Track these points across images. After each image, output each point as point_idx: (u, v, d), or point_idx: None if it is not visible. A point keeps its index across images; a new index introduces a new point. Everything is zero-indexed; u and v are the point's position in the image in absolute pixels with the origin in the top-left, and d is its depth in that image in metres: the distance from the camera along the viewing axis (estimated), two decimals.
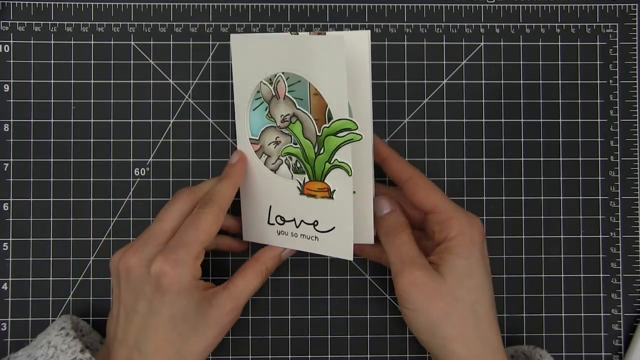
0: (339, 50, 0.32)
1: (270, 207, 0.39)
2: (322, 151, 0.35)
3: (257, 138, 0.38)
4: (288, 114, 0.36)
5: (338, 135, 0.34)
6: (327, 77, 0.33)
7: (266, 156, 0.38)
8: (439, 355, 0.35)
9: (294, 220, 0.38)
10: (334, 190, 0.36)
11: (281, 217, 0.39)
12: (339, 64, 0.32)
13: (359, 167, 0.36)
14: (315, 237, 0.38)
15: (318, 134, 0.35)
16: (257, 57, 0.36)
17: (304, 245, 0.38)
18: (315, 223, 0.37)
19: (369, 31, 0.34)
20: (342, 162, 0.35)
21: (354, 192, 0.36)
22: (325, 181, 0.36)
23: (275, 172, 0.38)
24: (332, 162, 0.35)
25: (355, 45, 0.34)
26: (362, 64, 0.35)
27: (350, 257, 0.37)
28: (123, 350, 0.35)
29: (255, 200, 0.39)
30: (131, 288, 0.35)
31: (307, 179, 0.37)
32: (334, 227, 0.37)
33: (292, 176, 0.37)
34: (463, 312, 0.35)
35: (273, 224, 0.39)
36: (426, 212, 0.37)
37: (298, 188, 0.37)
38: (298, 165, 0.37)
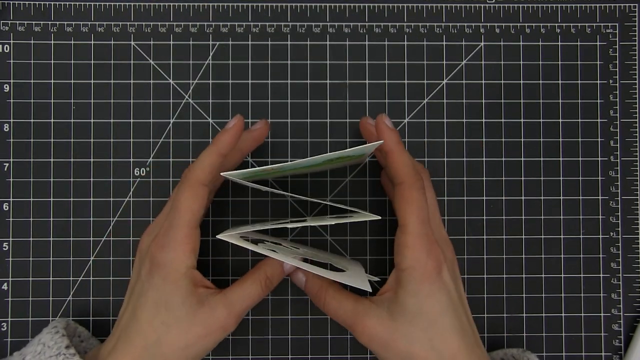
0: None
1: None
2: None
3: None
4: None
5: None
6: None
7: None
8: None
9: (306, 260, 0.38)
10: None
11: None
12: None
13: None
14: (328, 265, 0.39)
15: None
16: None
17: (313, 267, 0.37)
18: (328, 265, 0.39)
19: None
20: None
21: None
22: None
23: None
24: None
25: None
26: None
27: (368, 289, 0.36)
28: (117, 330, 0.36)
29: None
30: (135, 268, 0.37)
31: None
32: (346, 270, 0.38)
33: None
34: (422, 351, 0.34)
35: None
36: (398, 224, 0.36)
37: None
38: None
